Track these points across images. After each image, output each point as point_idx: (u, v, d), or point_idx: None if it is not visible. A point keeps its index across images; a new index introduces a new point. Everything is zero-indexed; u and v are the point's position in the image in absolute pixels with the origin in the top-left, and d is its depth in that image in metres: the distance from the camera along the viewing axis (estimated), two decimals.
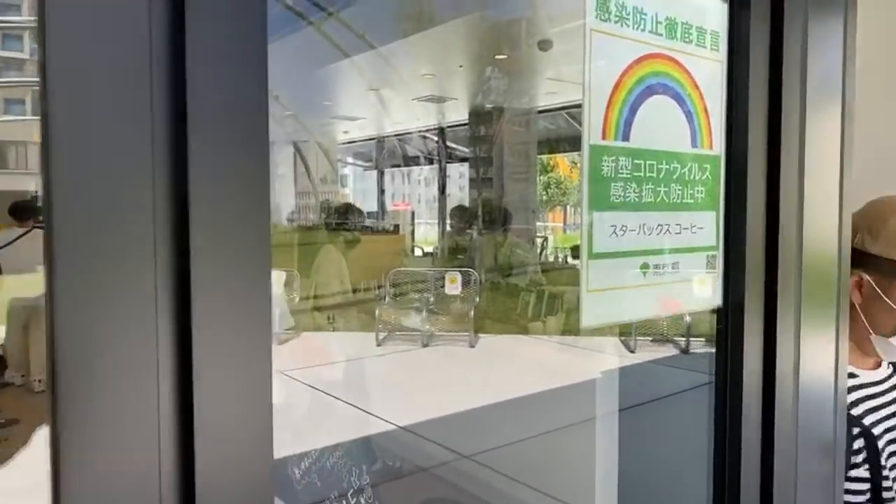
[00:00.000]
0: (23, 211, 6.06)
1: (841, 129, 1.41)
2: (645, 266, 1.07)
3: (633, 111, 1.03)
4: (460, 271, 8.87)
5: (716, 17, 1.17)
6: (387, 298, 9.02)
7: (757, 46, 1.19)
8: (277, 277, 8.76)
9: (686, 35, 1.11)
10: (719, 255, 1.19)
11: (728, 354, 1.20)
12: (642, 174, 1.05)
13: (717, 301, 1.20)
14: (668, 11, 1.08)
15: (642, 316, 1.09)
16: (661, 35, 1.07)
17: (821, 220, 1.38)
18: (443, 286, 8.88)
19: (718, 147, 1.18)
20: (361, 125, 14.32)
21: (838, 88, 1.39)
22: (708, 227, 1.17)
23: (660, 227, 1.08)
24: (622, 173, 1.02)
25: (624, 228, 1.03)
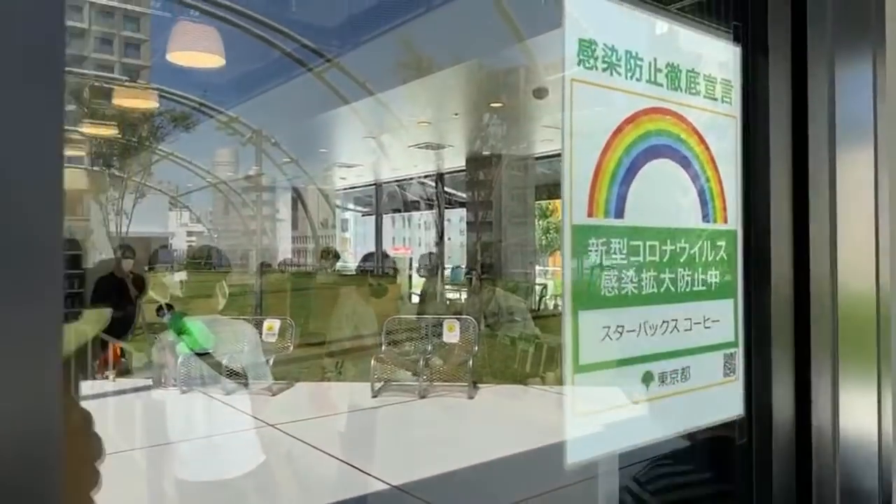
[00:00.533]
0: None
1: (874, 180, 1.20)
2: (648, 376, 0.84)
3: (628, 180, 0.82)
4: (458, 319, 8.60)
5: (726, 62, 0.96)
6: (383, 347, 8.75)
7: (778, 96, 0.99)
8: (271, 326, 8.53)
9: (692, 85, 0.90)
10: (739, 353, 0.96)
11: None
12: (641, 258, 0.83)
13: (739, 409, 0.96)
14: (669, 56, 0.87)
15: (648, 441, 0.85)
16: (661, 85, 0.86)
17: (858, 294, 1.15)
18: (440, 334, 8.62)
19: (734, 220, 0.96)
20: (360, 171, 14.24)
21: (870, 136, 1.18)
22: (724, 318, 0.95)
23: (665, 325, 0.86)
24: (615, 259, 0.80)
25: (620, 329, 0.81)
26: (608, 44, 0.79)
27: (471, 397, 8.41)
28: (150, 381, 7.67)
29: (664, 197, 0.86)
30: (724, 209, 0.94)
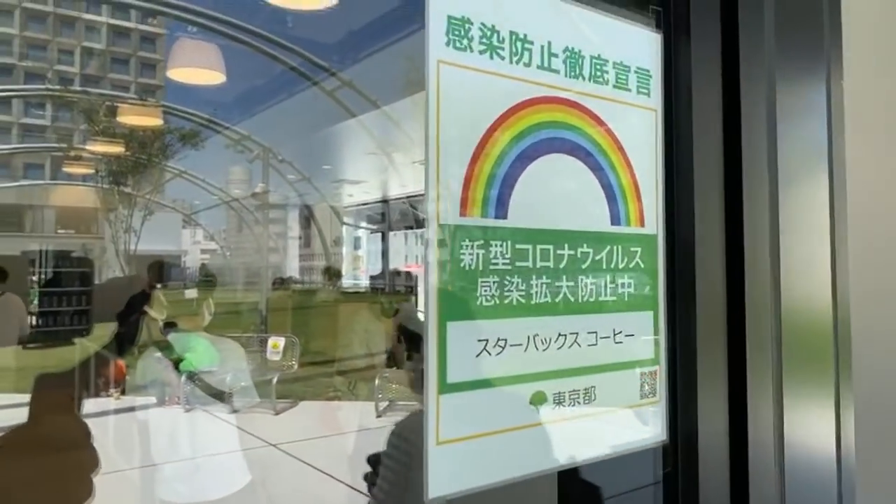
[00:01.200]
0: None
1: (829, 177, 1.09)
2: (540, 397, 0.74)
3: (513, 176, 0.73)
4: None
5: (645, 50, 0.87)
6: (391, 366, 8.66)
7: (705, 87, 0.89)
8: (276, 344, 8.48)
9: (598, 73, 0.81)
10: (661, 371, 0.87)
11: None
12: (530, 264, 0.74)
13: (660, 434, 0.86)
14: (569, 41, 0.78)
15: (536, 472, 0.75)
16: (557, 72, 0.77)
17: (808, 307, 1.05)
18: None
19: (653, 224, 0.87)
20: (366, 188, 14.23)
21: (821, 127, 1.08)
22: (642, 332, 0.85)
23: (562, 339, 0.76)
24: (496, 264, 0.71)
25: (502, 343, 0.71)
26: (487, 24, 0.71)
27: None
28: (153, 399, 7.66)
29: (561, 196, 0.77)
30: (641, 211, 0.85)
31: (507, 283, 0.72)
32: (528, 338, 0.73)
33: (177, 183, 12.78)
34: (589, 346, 0.78)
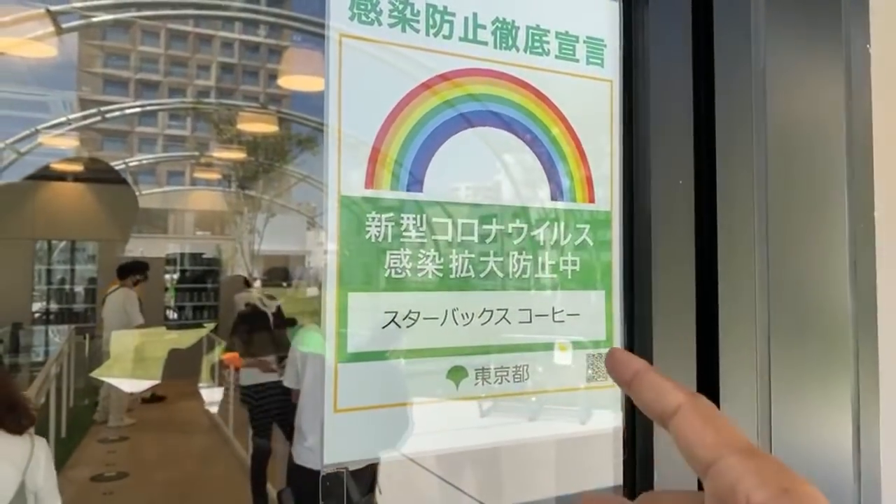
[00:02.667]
0: (122, 270, 6.65)
1: (846, 141, 1.00)
2: (458, 372, 0.73)
3: (429, 149, 0.72)
4: None
5: (596, 18, 0.84)
6: None
7: (671, 55, 0.84)
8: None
9: (537, 44, 0.79)
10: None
11: None
12: (449, 238, 0.73)
13: (613, 419, 0.82)
14: (499, 11, 0.77)
15: (453, 449, 0.74)
16: (484, 44, 0.76)
17: (816, 287, 0.96)
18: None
19: (605, 200, 0.83)
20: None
21: (837, 112, 0.98)
22: (589, 312, 0.82)
23: (488, 314, 0.75)
24: (408, 237, 0.71)
25: (413, 316, 0.71)
26: None
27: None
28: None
29: (488, 171, 0.75)
30: (590, 187, 0.81)
31: (420, 256, 0.71)
32: (446, 311, 0.72)
33: (301, 187, 13.46)
34: (521, 323, 0.76)
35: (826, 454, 0.94)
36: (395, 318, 0.70)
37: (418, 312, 0.71)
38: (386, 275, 0.70)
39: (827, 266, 0.96)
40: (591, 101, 0.82)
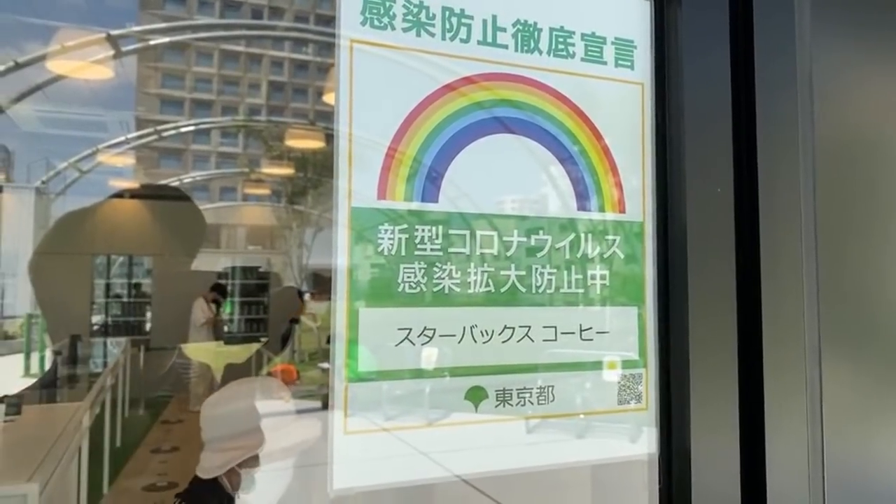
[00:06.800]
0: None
1: None
2: (478, 393, 0.69)
3: (445, 158, 0.69)
4: None
5: (627, 18, 0.79)
6: None
7: (708, 55, 0.79)
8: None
9: (561, 47, 0.75)
10: (648, 375, 0.77)
11: None
12: (467, 251, 0.69)
13: (646, 446, 0.77)
14: (520, 12, 0.73)
15: (471, 475, 0.69)
16: (504, 47, 0.72)
17: (873, 299, 0.89)
18: None
19: (637, 211, 0.78)
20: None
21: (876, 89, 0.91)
22: (621, 330, 0.76)
23: (509, 332, 0.71)
24: (424, 250, 0.68)
25: (429, 333, 0.67)
26: (413, 0, 0.68)
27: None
28: (319, 404, 8.16)
29: (509, 179, 0.72)
30: (621, 197, 0.77)
31: (437, 269, 0.68)
32: (464, 328, 0.69)
33: None
34: (545, 341, 0.72)
35: (888, 488, 0.86)
36: (408, 335, 0.66)
37: (434, 329, 0.67)
38: (399, 289, 0.66)
39: (885, 282, 0.88)
40: (619, 104, 0.77)
